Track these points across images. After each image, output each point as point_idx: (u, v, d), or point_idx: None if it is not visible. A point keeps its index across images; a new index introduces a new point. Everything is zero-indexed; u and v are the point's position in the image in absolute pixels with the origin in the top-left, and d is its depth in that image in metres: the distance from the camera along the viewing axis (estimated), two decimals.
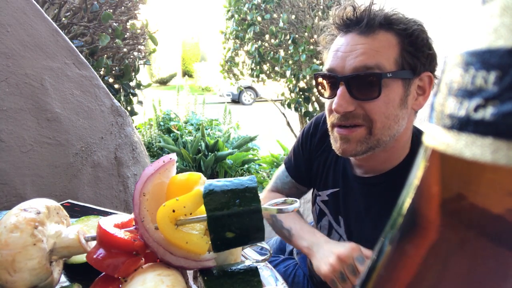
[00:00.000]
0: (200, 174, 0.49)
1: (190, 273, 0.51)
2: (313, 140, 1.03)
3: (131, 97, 2.59)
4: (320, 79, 0.85)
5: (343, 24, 0.83)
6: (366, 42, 0.79)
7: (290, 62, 3.49)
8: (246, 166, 3.80)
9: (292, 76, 3.47)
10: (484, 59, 0.11)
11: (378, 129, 0.79)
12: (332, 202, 0.96)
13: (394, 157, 0.86)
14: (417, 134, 0.89)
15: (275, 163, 3.70)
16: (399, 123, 0.81)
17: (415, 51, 0.79)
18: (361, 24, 0.80)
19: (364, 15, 0.80)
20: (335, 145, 0.84)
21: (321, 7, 3.34)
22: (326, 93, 0.84)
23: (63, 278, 0.57)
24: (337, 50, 0.81)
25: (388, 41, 0.79)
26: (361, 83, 0.78)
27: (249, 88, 10.70)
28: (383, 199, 0.87)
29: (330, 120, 0.85)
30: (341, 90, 0.79)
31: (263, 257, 0.52)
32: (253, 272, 0.46)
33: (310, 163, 1.04)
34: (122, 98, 2.45)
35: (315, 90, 3.71)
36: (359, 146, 0.81)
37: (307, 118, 3.44)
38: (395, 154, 0.86)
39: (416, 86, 0.82)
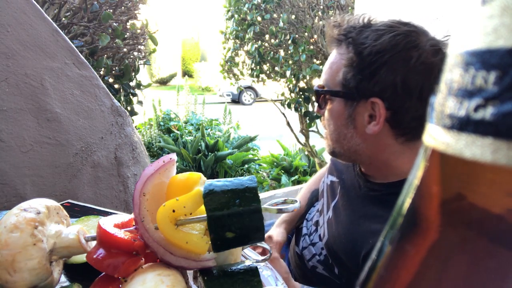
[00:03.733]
0: (200, 174, 0.49)
1: (190, 273, 0.51)
2: None
3: (131, 97, 2.59)
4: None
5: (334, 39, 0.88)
6: (330, 57, 0.84)
7: (290, 62, 3.49)
8: (246, 166, 3.79)
9: (292, 76, 3.47)
10: (484, 59, 0.11)
11: (330, 139, 0.86)
12: (331, 189, 0.99)
13: (390, 175, 0.83)
14: None
15: (275, 163, 3.70)
16: (348, 140, 0.83)
17: (366, 73, 0.74)
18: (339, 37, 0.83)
19: (343, 29, 0.83)
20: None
21: (321, 7, 3.34)
22: None
23: (63, 278, 0.57)
24: None
25: (340, 57, 0.80)
26: (317, 96, 0.87)
27: (249, 88, 10.69)
28: (367, 203, 0.86)
29: None
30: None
31: (263, 257, 0.52)
32: (253, 272, 0.46)
33: None
34: (122, 98, 2.45)
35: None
36: (328, 149, 0.89)
37: (307, 118, 3.44)
38: (391, 172, 0.82)
39: (366, 110, 0.77)
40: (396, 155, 0.81)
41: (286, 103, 3.69)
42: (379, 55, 0.72)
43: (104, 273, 0.46)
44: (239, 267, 0.47)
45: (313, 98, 3.61)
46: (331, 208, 0.94)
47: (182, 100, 5.20)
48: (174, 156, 0.50)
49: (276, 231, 1.05)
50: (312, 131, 3.48)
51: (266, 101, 5.61)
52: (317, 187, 1.17)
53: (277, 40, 3.50)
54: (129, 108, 2.57)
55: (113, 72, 2.43)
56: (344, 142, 0.83)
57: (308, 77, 3.44)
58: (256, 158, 3.89)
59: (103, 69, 2.27)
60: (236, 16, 3.78)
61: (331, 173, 1.02)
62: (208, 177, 0.52)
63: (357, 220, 0.84)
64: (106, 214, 0.87)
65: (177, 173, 0.50)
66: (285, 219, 1.10)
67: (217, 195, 0.44)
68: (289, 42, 3.38)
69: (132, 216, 0.51)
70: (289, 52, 3.43)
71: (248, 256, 0.61)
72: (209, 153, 3.69)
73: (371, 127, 0.78)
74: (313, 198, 1.16)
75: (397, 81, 0.72)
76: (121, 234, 0.46)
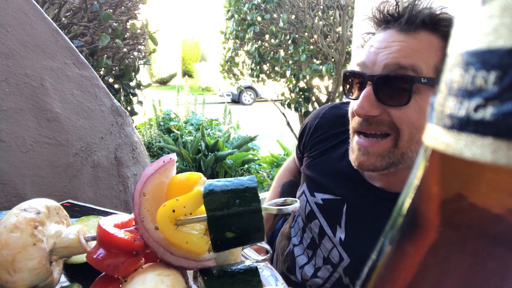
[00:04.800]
0: (200, 174, 0.49)
1: (190, 273, 0.51)
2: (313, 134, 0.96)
3: (131, 97, 2.59)
4: (347, 77, 0.76)
5: (382, 19, 0.75)
6: (404, 40, 0.68)
7: (290, 62, 3.50)
8: (246, 166, 3.79)
9: (292, 76, 3.47)
10: (484, 59, 0.11)
11: (404, 141, 0.69)
12: (330, 209, 0.86)
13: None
14: None
15: (275, 163, 3.70)
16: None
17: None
18: (401, 20, 0.70)
19: (405, 11, 0.72)
20: (352, 156, 0.75)
21: (321, 7, 3.34)
22: (350, 92, 0.75)
23: (63, 278, 0.57)
24: (371, 45, 0.73)
25: (431, 43, 0.68)
26: (390, 85, 0.68)
27: (249, 88, 10.69)
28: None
29: (351, 124, 0.76)
30: (366, 90, 0.69)
31: (263, 257, 0.52)
32: (253, 272, 0.46)
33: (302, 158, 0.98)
34: (122, 98, 2.45)
35: (315, 90, 3.71)
36: (379, 161, 0.71)
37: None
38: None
39: None
40: None
41: (286, 103, 3.69)
42: None
43: (104, 273, 0.46)
44: (239, 267, 0.47)
45: (313, 98, 3.61)
46: (341, 229, 0.83)
47: (182, 100, 5.20)
48: (174, 156, 0.50)
49: None
50: None
51: (266, 101, 5.61)
52: (286, 180, 1.09)
53: (277, 40, 3.51)
54: (129, 108, 2.57)
55: (113, 72, 2.43)
56: (420, 142, 0.70)
57: (308, 77, 3.44)
58: (256, 158, 3.89)
59: (103, 69, 2.27)
60: (236, 16, 3.78)
61: (319, 191, 0.88)
62: (208, 177, 0.52)
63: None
64: (106, 214, 0.87)
65: (177, 173, 0.50)
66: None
67: (217, 195, 0.44)
68: (289, 42, 3.38)
69: (132, 216, 0.51)
70: (289, 52, 3.43)
71: (248, 256, 0.61)
72: (209, 153, 3.69)
73: None
74: (285, 193, 1.07)
75: None
76: (121, 234, 0.46)
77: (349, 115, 0.78)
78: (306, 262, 0.90)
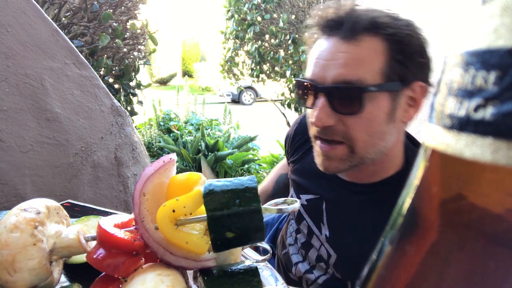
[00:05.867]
0: (200, 174, 0.49)
1: (190, 273, 0.51)
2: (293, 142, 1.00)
3: (131, 97, 2.59)
4: (300, 86, 0.78)
5: (325, 26, 0.76)
6: (348, 50, 0.71)
7: (290, 62, 3.50)
8: (246, 166, 3.79)
9: (292, 76, 3.47)
10: (484, 59, 0.11)
11: (360, 148, 0.73)
12: (313, 208, 0.89)
13: (382, 171, 0.80)
14: (411, 148, 0.83)
15: (275, 163, 3.70)
16: (385, 139, 0.74)
17: (404, 59, 0.71)
18: (343, 27, 0.72)
19: (346, 18, 0.73)
20: (317, 159, 0.79)
21: (321, 7, 3.33)
22: (306, 101, 0.78)
23: (63, 278, 0.57)
24: (318, 58, 0.75)
25: (374, 49, 0.71)
26: (343, 96, 0.71)
27: (249, 88, 10.69)
28: (363, 211, 0.81)
29: (311, 131, 0.79)
30: (321, 102, 0.72)
31: (263, 257, 0.52)
32: (253, 272, 0.46)
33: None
34: (122, 98, 2.45)
35: None
36: (341, 164, 0.76)
37: None
38: (383, 168, 0.79)
39: (406, 97, 0.74)
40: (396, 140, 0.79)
41: (286, 103, 3.69)
42: (414, 39, 0.73)
43: (104, 273, 0.46)
44: (239, 267, 0.47)
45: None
46: (325, 226, 0.86)
47: (182, 100, 5.20)
48: (174, 156, 0.50)
49: None
50: None
51: (266, 101, 5.61)
52: (283, 172, 1.11)
53: (277, 40, 3.51)
54: (129, 108, 2.57)
55: (113, 72, 2.43)
56: (381, 143, 0.74)
57: None
58: (256, 158, 3.89)
59: (103, 69, 2.27)
60: (236, 16, 3.78)
61: (303, 192, 0.92)
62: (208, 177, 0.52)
63: (363, 228, 0.80)
64: (106, 214, 0.87)
65: (177, 173, 0.50)
66: None
67: (217, 195, 0.44)
68: (289, 42, 3.38)
69: (132, 216, 0.51)
70: (289, 52, 3.43)
71: (248, 256, 0.61)
72: (209, 153, 3.69)
73: (410, 114, 0.76)
74: (280, 183, 1.11)
75: (428, 59, 0.75)
76: (121, 234, 0.46)
77: (308, 122, 0.81)
78: (301, 261, 0.93)
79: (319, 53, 0.75)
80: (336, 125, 0.73)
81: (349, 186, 0.84)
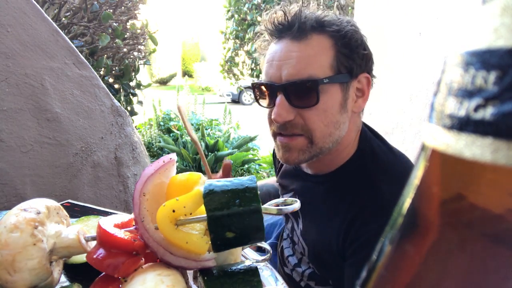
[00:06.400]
0: (200, 174, 0.49)
1: (190, 273, 0.51)
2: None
3: (131, 97, 2.59)
4: (257, 88, 0.84)
5: (275, 30, 0.81)
6: (299, 50, 0.77)
7: None
8: (246, 166, 3.79)
9: None
10: (484, 59, 0.11)
11: (318, 138, 0.78)
12: None
13: (338, 158, 0.85)
14: (366, 133, 0.87)
15: None
16: (340, 129, 0.79)
17: (350, 52, 0.78)
18: (293, 29, 0.77)
19: (295, 20, 0.78)
20: (278, 153, 0.84)
21: (321, 7, 3.34)
22: (265, 102, 0.84)
23: (63, 278, 0.57)
24: (272, 60, 0.80)
25: (322, 45, 0.77)
26: (299, 91, 0.77)
27: (249, 88, 10.68)
28: (326, 199, 0.85)
29: (271, 129, 0.84)
30: (279, 99, 0.77)
31: (263, 257, 0.52)
32: (253, 272, 0.46)
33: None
34: (122, 98, 2.45)
35: None
36: (301, 155, 0.80)
37: None
38: (339, 156, 0.84)
39: (354, 89, 0.81)
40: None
41: None
42: (356, 34, 0.80)
43: (104, 273, 0.46)
44: (239, 267, 0.47)
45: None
46: (300, 221, 0.92)
47: (182, 100, 5.20)
48: (174, 156, 0.50)
49: None
50: None
51: None
52: (271, 182, 1.21)
53: None
54: (129, 108, 2.57)
55: (113, 72, 2.43)
56: (336, 132, 0.80)
57: None
58: (256, 158, 3.89)
59: (103, 69, 2.27)
60: (236, 16, 3.78)
61: (285, 192, 0.99)
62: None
63: (325, 217, 0.84)
64: (106, 214, 0.87)
65: (177, 173, 0.50)
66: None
67: (217, 195, 0.44)
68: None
69: (132, 216, 0.51)
70: None
71: (248, 256, 0.61)
72: (209, 153, 3.69)
73: (359, 104, 0.83)
74: (263, 188, 1.21)
75: (370, 52, 0.82)
76: (121, 234, 0.46)
77: (267, 121, 0.86)
78: (291, 254, 0.99)
79: (272, 55, 0.81)
80: (294, 119, 0.78)
81: (312, 178, 0.90)
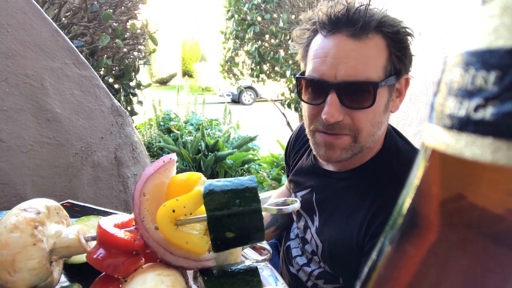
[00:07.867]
0: (200, 174, 0.49)
1: (190, 273, 0.51)
2: (294, 146, 1.07)
3: (131, 97, 2.59)
4: (306, 83, 0.80)
5: (329, 23, 0.77)
6: (358, 49, 0.74)
7: (290, 62, 3.49)
8: (246, 166, 3.79)
9: (292, 76, 3.47)
10: (484, 59, 0.11)
11: (363, 138, 0.78)
12: (307, 202, 0.93)
13: (365, 156, 0.84)
14: (391, 132, 0.88)
15: (275, 163, 3.69)
16: (381, 128, 0.80)
17: (402, 55, 0.78)
18: (356, 26, 0.74)
19: (359, 16, 0.75)
20: (318, 151, 0.82)
21: (322, 5, 3.33)
22: (310, 98, 0.79)
23: (63, 278, 0.57)
24: (325, 56, 0.76)
25: (379, 46, 0.75)
26: (354, 92, 0.74)
27: (249, 88, 10.69)
28: (349, 195, 0.84)
29: (312, 124, 0.81)
30: (331, 98, 0.74)
31: (263, 257, 0.52)
32: (253, 272, 0.46)
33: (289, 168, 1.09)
34: (122, 98, 2.45)
35: None
36: (344, 153, 0.79)
37: None
38: (368, 153, 0.84)
39: (395, 89, 0.81)
40: None
41: (286, 103, 3.69)
42: (408, 37, 0.79)
43: (104, 273, 0.46)
44: (239, 267, 0.47)
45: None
46: (316, 219, 0.90)
47: (182, 100, 5.20)
48: (174, 156, 0.50)
49: None
50: None
51: (266, 101, 5.61)
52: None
53: (277, 40, 3.51)
54: (129, 108, 2.57)
55: (113, 72, 2.43)
56: (378, 132, 0.79)
57: None
58: (256, 158, 3.89)
59: (103, 69, 2.27)
60: (236, 16, 3.78)
61: (299, 190, 0.97)
62: (208, 177, 0.52)
63: (347, 213, 0.83)
64: (106, 214, 0.87)
65: (177, 173, 0.50)
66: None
67: (217, 195, 0.44)
68: (289, 42, 3.37)
69: (132, 216, 0.51)
70: (289, 52, 3.42)
71: (248, 256, 0.61)
72: (209, 153, 3.69)
73: (396, 104, 0.83)
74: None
75: (412, 53, 0.81)
76: (121, 234, 0.46)
77: (307, 117, 0.82)
78: (300, 255, 0.98)
79: (324, 50, 0.76)
80: (343, 120, 0.76)
81: (334, 175, 0.89)
